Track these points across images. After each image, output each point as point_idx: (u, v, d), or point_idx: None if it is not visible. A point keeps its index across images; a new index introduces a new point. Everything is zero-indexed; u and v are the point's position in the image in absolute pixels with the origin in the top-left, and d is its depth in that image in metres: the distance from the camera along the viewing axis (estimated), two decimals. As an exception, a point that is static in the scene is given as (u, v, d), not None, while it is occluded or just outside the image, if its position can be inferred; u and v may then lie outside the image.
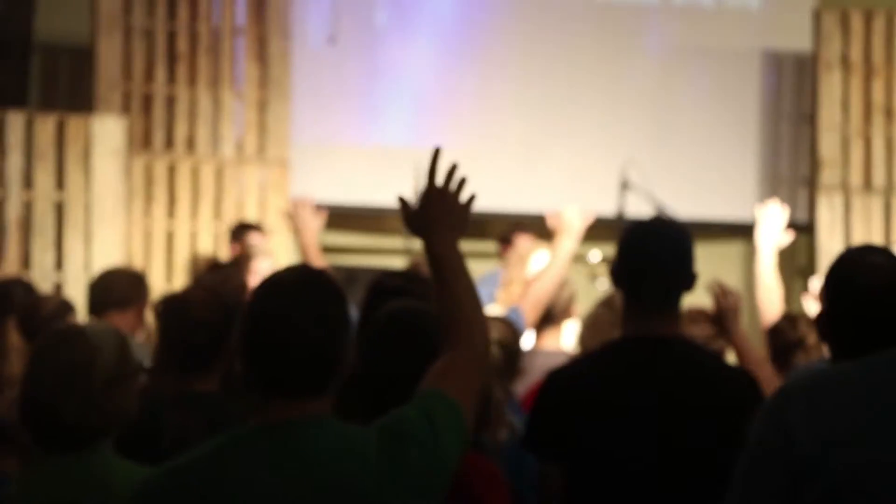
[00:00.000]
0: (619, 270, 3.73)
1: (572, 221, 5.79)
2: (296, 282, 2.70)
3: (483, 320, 2.91)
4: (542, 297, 5.52)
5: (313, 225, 6.51)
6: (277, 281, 2.72)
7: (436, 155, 2.94)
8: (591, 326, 5.14)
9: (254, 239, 7.83)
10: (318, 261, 6.14)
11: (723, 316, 4.58)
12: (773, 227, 6.28)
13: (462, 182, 2.95)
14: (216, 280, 5.71)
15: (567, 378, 3.75)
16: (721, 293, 4.59)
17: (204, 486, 2.59)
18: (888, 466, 2.10)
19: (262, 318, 2.64)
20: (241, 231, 8.04)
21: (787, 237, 6.30)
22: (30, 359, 3.43)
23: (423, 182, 2.95)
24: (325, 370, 2.64)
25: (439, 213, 2.92)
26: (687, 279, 3.69)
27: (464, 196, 2.95)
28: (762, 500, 2.19)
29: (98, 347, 3.37)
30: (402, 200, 2.97)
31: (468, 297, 2.88)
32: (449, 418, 2.70)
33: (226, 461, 2.61)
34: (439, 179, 2.95)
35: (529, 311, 5.46)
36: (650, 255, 3.65)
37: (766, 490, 2.19)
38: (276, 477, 2.55)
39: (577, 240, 5.81)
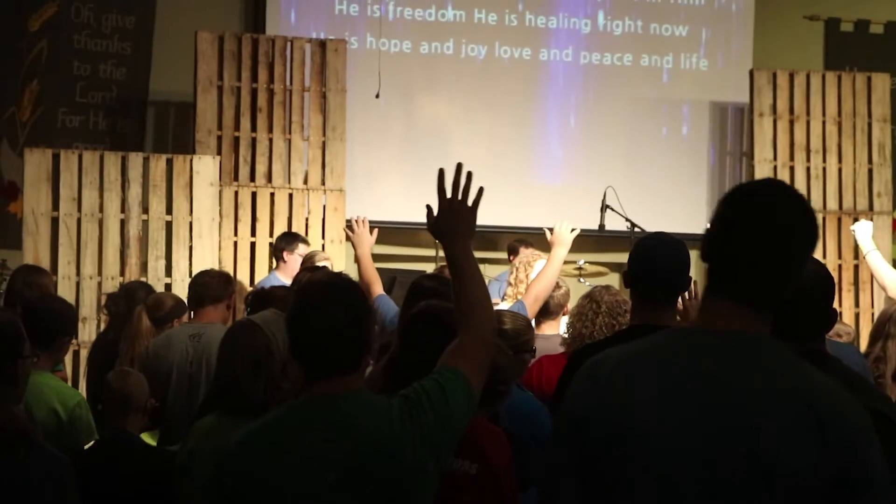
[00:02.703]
0: (632, 274, 3.65)
1: (563, 234, 5.75)
2: (327, 287, 2.67)
3: (490, 309, 2.84)
4: (541, 294, 5.47)
5: (368, 240, 6.46)
6: (312, 287, 2.71)
7: (440, 176, 2.86)
8: (576, 315, 5.08)
9: (302, 249, 7.78)
10: (371, 268, 6.08)
11: (686, 311, 4.62)
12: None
13: (467, 191, 2.86)
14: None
15: (591, 355, 3.69)
16: (687, 295, 4.62)
17: (270, 446, 2.58)
18: (647, 435, 2.03)
19: (303, 313, 2.63)
20: (293, 241, 7.96)
21: None
22: (221, 348, 3.46)
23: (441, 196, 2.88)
24: (354, 351, 2.62)
25: (451, 222, 2.85)
26: (683, 282, 3.63)
27: (470, 201, 2.86)
28: (556, 455, 2.13)
29: (273, 336, 3.39)
30: (428, 208, 2.90)
31: (477, 290, 2.81)
32: (459, 389, 2.65)
33: (286, 426, 2.61)
34: (448, 194, 2.86)
35: (531, 304, 5.40)
36: (657, 263, 3.56)
37: (558, 446, 2.13)
38: (322, 439, 2.54)
39: (567, 248, 5.77)
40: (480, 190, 2.88)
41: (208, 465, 3.35)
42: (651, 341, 2.19)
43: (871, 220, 6.84)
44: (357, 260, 6.13)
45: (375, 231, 6.60)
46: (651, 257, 3.58)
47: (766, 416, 1.97)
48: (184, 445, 3.62)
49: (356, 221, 6.42)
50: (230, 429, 3.35)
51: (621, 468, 2.04)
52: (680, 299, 4.75)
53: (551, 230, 5.80)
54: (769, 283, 2.08)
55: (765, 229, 2.07)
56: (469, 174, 2.86)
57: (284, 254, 7.83)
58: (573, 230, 5.77)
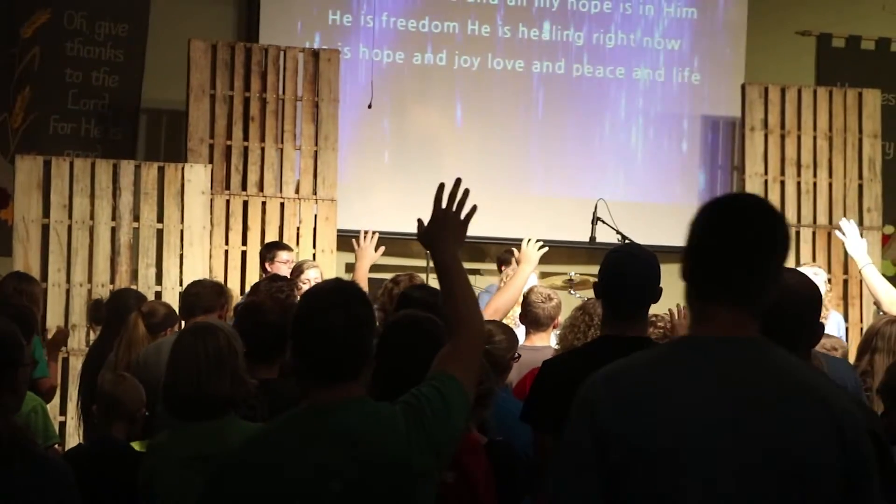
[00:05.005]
0: (601, 286, 3.68)
1: (530, 252, 5.78)
2: (331, 291, 2.68)
3: (478, 314, 2.86)
4: (501, 307, 5.50)
5: (371, 254, 6.48)
6: (317, 291, 2.73)
7: (440, 188, 2.89)
8: (569, 326, 5.11)
9: (286, 256, 7.78)
10: (363, 283, 6.09)
11: (675, 331, 4.69)
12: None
13: (462, 203, 2.89)
14: (272, 288, 5.67)
15: (559, 367, 3.71)
16: (675, 315, 4.69)
17: (271, 457, 2.56)
18: (674, 435, 2.10)
19: (307, 319, 2.62)
20: (271, 249, 7.97)
21: None
22: (175, 350, 3.45)
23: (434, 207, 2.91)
24: (356, 359, 2.61)
25: (442, 231, 2.86)
26: (653, 294, 3.65)
27: (463, 215, 2.89)
28: (573, 460, 2.18)
29: (234, 336, 3.42)
30: (419, 221, 2.92)
31: (466, 296, 2.82)
32: (456, 394, 2.67)
33: (286, 437, 2.59)
34: (443, 205, 2.89)
35: (490, 316, 5.40)
36: (626, 275, 3.60)
37: (577, 452, 2.17)
38: (325, 448, 2.53)
39: (534, 265, 5.81)
40: (474, 207, 2.92)
41: (169, 481, 3.36)
42: (665, 352, 2.27)
43: (862, 235, 6.84)
44: (353, 271, 6.16)
45: (382, 249, 6.61)
46: (622, 270, 3.62)
47: (793, 418, 2.10)
48: (143, 465, 3.61)
49: (364, 235, 6.42)
50: (184, 438, 3.37)
51: (648, 480, 2.10)
52: (670, 320, 4.81)
53: (519, 247, 5.83)
54: (762, 288, 2.21)
55: (755, 238, 2.20)
56: (466, 191, 2.90)
57: (266, 264, 7.84)
58: (541, 247, 5.80)
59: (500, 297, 5.60)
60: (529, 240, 5.82)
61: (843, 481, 2.08)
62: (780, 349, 2.21)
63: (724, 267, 2.19)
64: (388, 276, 8.63)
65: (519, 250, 5.85)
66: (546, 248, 5.85)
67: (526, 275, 5.70)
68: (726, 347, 2.16)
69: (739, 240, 2.19)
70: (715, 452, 2.07)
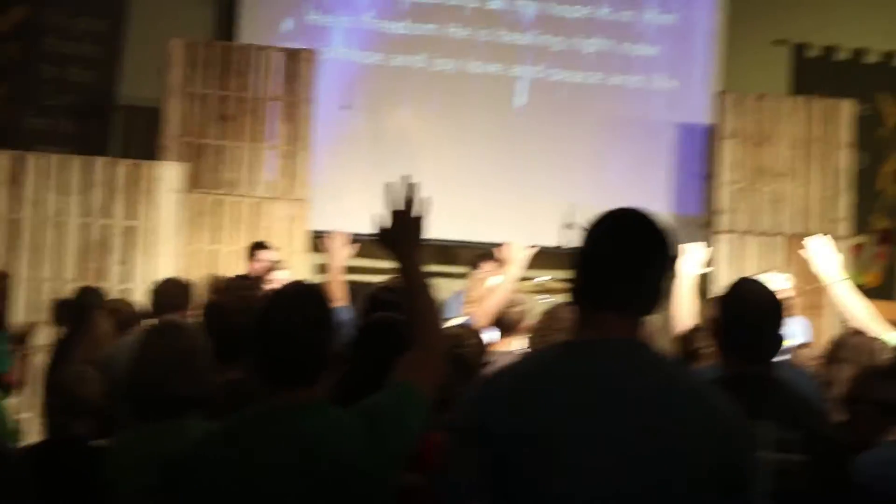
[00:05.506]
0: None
1: (516, 254, 5.80)
2: (292, 294, 2.67)
3: (438, 321, 2.87)
4: (492, 309, 5.52)
5: (343, 254, 6.47)
6: (279, 294, 2.70)
7: (389, 189, 2.89)
8: (538, 330, 5.11)
9: (266, 255, 7.81)
10: (339, 281, 6.08)
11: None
12: (694, 260, 6.26)
13: (412, 203, 2.89)
14: (238, 287, 5.66)
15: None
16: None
17: (230, 454, 2.55)
18: (548, 436, 2.15)
19: (266, 322, 2.61)
20: (255, 249, 8.02)
21: (706, 268, 6.28)
22: (139, 348, 3.42)
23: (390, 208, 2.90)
24: (314, 364, 2.60)
25: (401, 234, 2.88)
26: None
27: (418, 214, 2.89)
28: (461, 459, 2.23)
29: (197, 336, 3.39)
30: (376, 219, 2.91)
31: (428, 302, 2.84)
32: (413, 403, 2.67)
33: (239, 439, 2.58)
34: (398, 206, 2.90)
35: (481, 318, 5.43)
36: None
37: (462, 452, 2.23)
38: (279, 450, 2.52)
39: (521, 267, 5.82)
40: (426, 201, 2.91)
41: (135, 478, 3.34)
42: (548, 354, 2.34)
43: (833, 246, 6.83)
44: (328, 272, 6.14)
45: (354, 246, 6.59)
46: None
47: (676, 418, 2.16)
48: (105, 463, 3.59)
49: (333, 235, 6.41)
50: (147, 437, 3.35)
51: (530, 478, 2.13)
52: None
53: (495, 250, 5.84)
54: (644, 297, 2.31)
55: (636, 250, 2.31)
56: (414, 185, 2.90)
57: (250, 263, 7.87)
58: (526, 248, 5.80)
59: (488, 300, 5.60)
60: (514, 243, 5.83)
61: (719, 483, 2.15)
62: (659, 352, 2.32)
63: (607, 276, 2.30)
64: (361, 277, 8.65)
65: (500, 253, 5.86)
66: (530, 250, 5.85)
67: (513, 276, 5.73)
68: (607, 348, 2.24)
69: (620, 252, 2.31)
70: (595, 450, 2.12)
